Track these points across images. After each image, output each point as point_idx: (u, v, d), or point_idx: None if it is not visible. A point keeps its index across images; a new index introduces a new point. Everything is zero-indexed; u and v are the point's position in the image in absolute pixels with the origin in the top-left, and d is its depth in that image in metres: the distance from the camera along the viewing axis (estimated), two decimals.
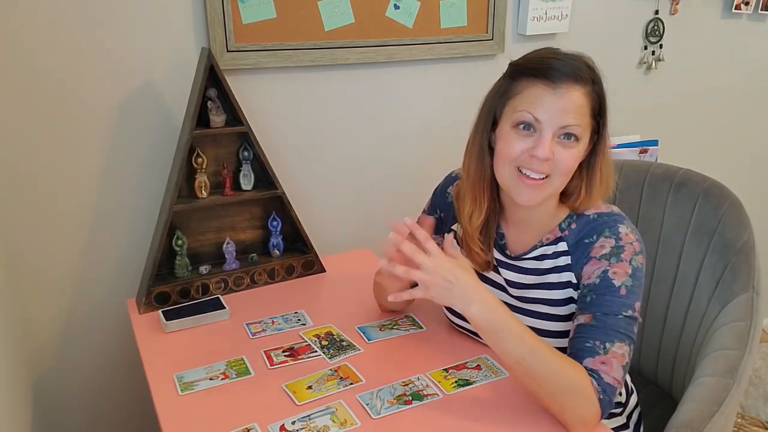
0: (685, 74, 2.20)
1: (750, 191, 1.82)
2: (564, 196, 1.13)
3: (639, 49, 2.10)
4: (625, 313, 1.03)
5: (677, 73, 2.18)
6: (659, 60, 2.12)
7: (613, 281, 1.05)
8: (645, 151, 2.07)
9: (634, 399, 1.30)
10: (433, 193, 1.32)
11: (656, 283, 1.49)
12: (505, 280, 1.18)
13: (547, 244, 1.14)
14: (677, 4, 2.09)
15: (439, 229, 1.27)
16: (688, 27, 2.14)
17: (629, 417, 1.28)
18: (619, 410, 1.25)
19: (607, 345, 1.01)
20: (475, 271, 1.08)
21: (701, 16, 2.16)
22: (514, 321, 1.01)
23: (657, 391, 1.51)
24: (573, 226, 1.13)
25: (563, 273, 1.12)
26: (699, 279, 1.39)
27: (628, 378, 1.29)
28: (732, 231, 1.34)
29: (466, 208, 1.16)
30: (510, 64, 1.10)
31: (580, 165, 1.09)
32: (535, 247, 1.16)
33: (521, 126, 1.05)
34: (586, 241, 1.10)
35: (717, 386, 1.14)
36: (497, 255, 1.19)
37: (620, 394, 1.25)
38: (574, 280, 1.11)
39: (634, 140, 2.07)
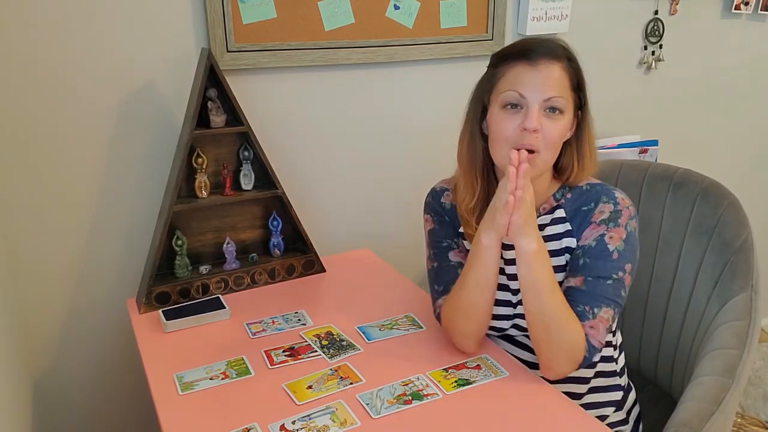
0: (685, 74, 2.21)
1: (749, 190, 1.83)
2: (558, 172, 1.19)
3: (639, 49, 2.10)
4: (615, 276, 1.11)
5: (677, 73, 2.18)
6: (659, 60, 2.12)
7: (608, 245, 1.12)
8: (645, 151, 2.07)
9: (632, 395, 1.31)
10: (430, 211, 1.29)
11: (655, 283, 1.49)
12: (505, 260, 1.19)
13: (544, 214, 1.19)
14: (677, 4, 2.09)
15: (452, 232, 1.26)
16: (688, 27, 2.14)
17: (629, 412, 1.29)
18: (615, 409, 1.26)
19: (596, 310, 1.10)
20: None
21: (701, 16, 2.17)
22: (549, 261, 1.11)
23: (656, 390, 1.51)
24: (568, 195, 1.19)
25: (564, 239, 1.17)
26: (698, 278, 1.39)
27: (625, 373, 1.30)
28: (731, 230, 1.34)
29: (459, 194, 1.21)
30: (492, 56, 1.18)
31: (570, 141, 1.16)
32: None
33: (509, 105, 1.11)
34: (585, 208, 1.16)
35: (716, 385, 1.14)
36: None
37: (620, 388, 1.26)
38: (574, 245, 1.16)
39: (634, 140, 2.07)
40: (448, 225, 1.26)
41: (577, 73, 1.13)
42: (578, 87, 1.14)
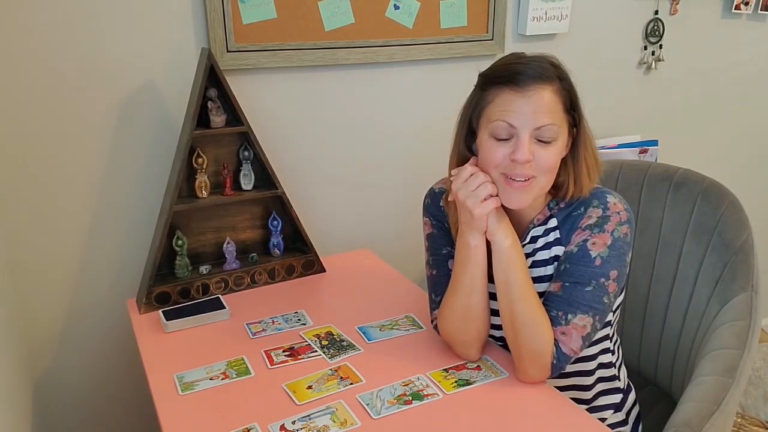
0: (685, 74, 2.21)
1: (749, 191, 1.83)
2: (554, 188, 1.15)
3: (639, 49, 2.10)
4: (595, 282, 1.08)
5: (677, 73, 2.18)
6: (659, 60, 2.12)
7: (589, 251, 1.09)
8: (645, 151, 2.07)
9: (632, 396, 1.31)
10: (429, 214, 1.27)
11: (656, 283, 1.49)
12: None
13: (538, 225, 1.17)
14: (677, 4, 2.09)
15: (452, 239, 1.23)
16: (688, 27, 2.14)
17: (628, 413, 1.29)
18: (614, 411, 1.26)
19: (569, 316, 1.08)
20: None
21: (701, 16, 2.17)
22: (523, 257, 1.12)
23: (656, 390, 1.51)
24: (561, 204, 1.16)
25: (553, 248, 1.15)
26: (698, 278, 1.39)
27: (624, 375, 1.30)
28: (731, 230, 1.34)
29: (451, 213, 1.18)
30: (479, 75, 1.12)
31: (565, 159, 1.12)
32: (527, 230, 1.17)
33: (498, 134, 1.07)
34: (575, 213, 1.14)
35: (716, 385, 1.14)
36: None
37: (619, 391, 1.26)
38: (561, 253, 1.14)
39: (634, 140, 2.07)
40: (448, 232, 1.23)
41: (570, 92, 1.08)
42: (572, 107, 1.09)
